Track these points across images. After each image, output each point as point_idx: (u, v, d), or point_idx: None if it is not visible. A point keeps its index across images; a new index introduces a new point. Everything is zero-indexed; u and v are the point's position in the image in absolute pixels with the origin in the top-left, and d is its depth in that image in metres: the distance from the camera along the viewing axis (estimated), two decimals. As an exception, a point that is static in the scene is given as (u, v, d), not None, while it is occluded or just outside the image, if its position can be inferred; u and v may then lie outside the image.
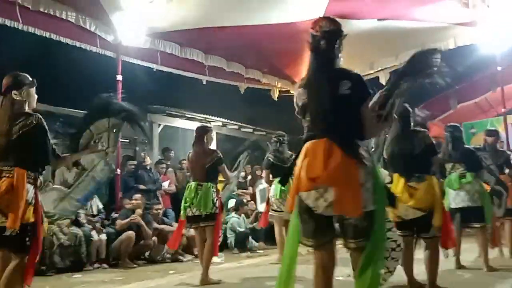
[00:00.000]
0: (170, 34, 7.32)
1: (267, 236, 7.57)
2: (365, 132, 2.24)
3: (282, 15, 7.02)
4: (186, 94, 10.63)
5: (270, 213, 6.02)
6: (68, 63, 8.86)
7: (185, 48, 7.79)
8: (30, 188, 2.78)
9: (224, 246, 6.91)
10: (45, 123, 2.87)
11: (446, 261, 3.75)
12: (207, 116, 11.06)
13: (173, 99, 10.81)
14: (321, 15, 6.57)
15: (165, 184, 7.60)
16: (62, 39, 6.31)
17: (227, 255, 6.63)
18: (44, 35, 6.09)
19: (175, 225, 6.65)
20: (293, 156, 6.29)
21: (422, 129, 3.71)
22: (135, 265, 5.97)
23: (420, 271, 3.68)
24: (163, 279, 4.98)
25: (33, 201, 2.79)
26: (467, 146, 4.95)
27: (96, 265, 5.81)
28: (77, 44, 6.54)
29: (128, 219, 6.13)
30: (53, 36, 6.19)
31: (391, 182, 3.56)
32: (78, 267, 5.54)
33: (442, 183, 4.34)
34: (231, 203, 7.92)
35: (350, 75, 2.26)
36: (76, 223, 5.75)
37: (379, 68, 9.06)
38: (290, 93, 9.69)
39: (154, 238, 6.32)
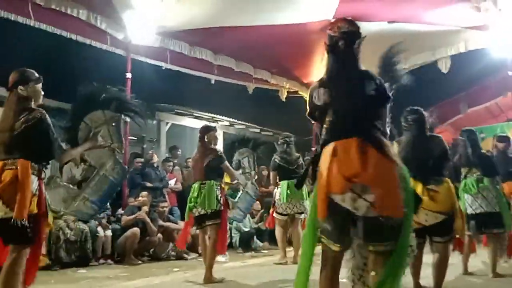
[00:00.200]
0: (180, 33, 7.34)
1: (272, 237, 7.53)
2: None
3: (292, 16, 7.01)
4: (194, 93, 10.67)
5: (274, 215, 6.01)
6: (78, 60, 8.94)
7: (194, 47, 7.81)
8: (34, 179, 2.79)
9: (228, 245, 6.91)
10: (48, 118, 2.89)
11: (451, 265, 3.73)
12: (215, 115, 11.09)
13: (181, 98, 10.86)
14: (331, 17, 6.61)
15: (172, 182, 7.63)
16: (73, 37, 6.36)
17: (232, 254, 6.64)
18: (55, 32, 6.14)
19: (181, 223, 6.69)
20: (300, 158, 6.26)
21: (437, 135, 3.72)
22: (139, 262, 6.01)
23: (424, 275, 3.66)
24: (168, 276, 5.01)
25: (37, 193, 2.81)
26: (483, 151, 4.91)
27: (101, 260, 5.86)
28: (88, 41, 6.58)
29: (133, 216, 6.17)
30: (64, 33, 6.24)
31: None
32: (84, 263, 5.58)
33: (456, 187, 4.31)
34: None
35: (373, 77, 2.24)
36: (83, 218, 5.81)
37: (389, 71, 9.03)
38: (298, 94, 9.67)
39: (159, 235, 6.35)
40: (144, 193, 6.54)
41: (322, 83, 2.28)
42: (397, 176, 2.07)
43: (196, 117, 10.66)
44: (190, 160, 7.48)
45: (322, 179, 2.09)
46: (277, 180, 6.03)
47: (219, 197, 4.49)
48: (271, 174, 6.16)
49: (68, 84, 9.26)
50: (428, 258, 3.61)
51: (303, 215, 5.83)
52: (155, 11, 6.68)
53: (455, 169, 4.59)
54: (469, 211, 4.56)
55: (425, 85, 11.17)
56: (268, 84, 9.48)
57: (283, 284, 4.31)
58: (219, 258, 5.26)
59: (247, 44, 7.81)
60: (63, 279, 4.79)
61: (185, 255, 6.45)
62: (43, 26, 5.97)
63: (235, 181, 5.21)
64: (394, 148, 3.63)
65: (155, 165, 7.45)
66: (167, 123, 10.55)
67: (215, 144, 4.75)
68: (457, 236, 3.72)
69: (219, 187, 4.54)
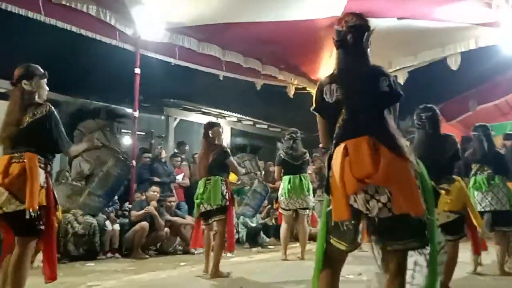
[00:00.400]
0: (189, 29, 7.36)
1: (279, 232, 7.58)
2: None
3: (301, 12, 6.99)
4: (202, 89, 10.70)
5: (279, 210, 6.02)
6: (88, 56, 9.01)
7: (202, 43, 7.84)
8: (41, 172, 2.82)
9: (235, 241, 6.94)
10: (55, 112, 2.92)
11: (458, 264, 3.71)
12: (223, 111, 11.11)
13: (190, 93, 10.89)
14: (340, 13, 6.58)
15: (179, 177, 7.67)
16: (83, 32, 6.40)
17: (238, 250, 6.66)
18: (65, 27, 6.19)
19: (188, 218, 6.74)
20: (307, 154, 6.23)
21: (450, 134, 3.68)
22: (147, 256, 6.06)
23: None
24: (175, 271, 5.04)
25: (45, 185, 2.84)
26: (497, 148, 4.84)
27: (109, 254, 5.93)
28: (97, 37, 6.62)
29: (143, 211, 6.23)
30: (74, 29, 6.28)
31: None
32: (92, 256, 5.64)
33: (466, 184, 4.29)
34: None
35: (386, 73, 2.17)
36: (91, 212, 5.86)
37: (397, 68, 8.97)
38: (306, 90, 9.67)
39: (167, 229, 6.40)
40: (156, 187, 6.60)
41: (333, 79, 2.21)
42: (412, 174, 2.01)
43: (204, 113, 10.70)
44: (197, 155, 7.55)
45: (335, 180, 2.04)
46: (282, 175, 6.03)
47: (224, 193, 4.49)
48: (276, 169, 6.12)
49: (78, 79, 9.40)
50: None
51: (307, 211, 5.83)
52: (164, 7, 6.70)
53: (465, 165, 4.56)
54: (479, 208, 4.52)
55: (434, 82, 11.12)
56: (276, 80, 9.47)
57: (289, 279, 4.32)
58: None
59: (256, 40, 7.81)
60: (71, 272, 4.84)
61: (192, 250, 6.49)
62: (53, 22, 6.02)
63: (239, 182, 5.22)
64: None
65: (163, 160, 7.51)
66: (175, 118, 10.60)
67: (220, 140, 4.75)
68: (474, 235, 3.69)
69: (224, 183, 4.54)
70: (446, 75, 9.25)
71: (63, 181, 4.72)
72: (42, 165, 2.84)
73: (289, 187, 5.70)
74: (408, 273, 2.12)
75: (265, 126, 12.66)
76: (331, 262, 2.14)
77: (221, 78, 8.51)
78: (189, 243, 6.54)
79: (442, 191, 3.30)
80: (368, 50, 2.22)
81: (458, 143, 3.68)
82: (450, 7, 6.88)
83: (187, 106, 10.55)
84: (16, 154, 2.81)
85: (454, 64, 8.23)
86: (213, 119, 9.16)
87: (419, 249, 2.07)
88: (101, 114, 3.73)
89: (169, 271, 4.99)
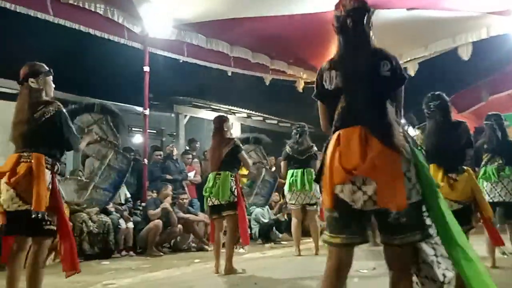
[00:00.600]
0: (196, 25, 7.35)
1: (291, 228, 7.57)
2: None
3: (308, 5, 6.93)
4: (211, 86, 10.70)
5: (288, 205, 6.01)
6: (97, 55, 9.04)
7: (210, 40, 7.82)
8: (47, 173, 2.82)
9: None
10: (65, 111, 2.94)
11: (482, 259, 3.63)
12: (232, 107, 11.10)
13: (199, 90, 10.90)
14: (348, 5, 6.51)
15: (191, 175, 7.70)
16: (91, 31, 6.43)
17: (251, 245, 6.65)
18: (73, 27, 6.22)
19: (201, 214, 6.76)
20: (314, 148, 6.14)
21: (462, 120, 3.61)
22: (161, 253, 6.09)
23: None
24: (189, 268, 5.06)
25: (50, 186, 2.85)
26: (510, 139, 4.74)
27: (123, 252, 5.97)
28: (106, 35, 6.64)
29: (159, 208, 6.26)
30: (82, 28, 6.31)
31: None
32: (106, 254, 5.69)
33: (476, 175, 4.23)
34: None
35: (388, 56, 2.08)
36: (105, 211, 5.90)
37: (408, 59, 8.86)
38: (316, 84, 9.60)
39: (180, 226, 6.42)
40: (170, 186, 6.65)
41: (333, 64, 2.16)
42: (400, 167, 1.94)
43: (214, 110, 10.70)
44: (207, 150, 7.56)
45: (327, 169, 2.02)
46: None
47: (233, 189, 4.47)
48: (282, 163, 6.05)
49: (86, 78, 9.45)
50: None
51: (315, 206, 5.76)
52: (171, 3, 6.69)
53: (476, 155, 4.48)
54: (487, 199, 4.45)
55: (445, 73, 10.97)
56: (285, 75, 9.42)
57: (303, 275, 4.31)
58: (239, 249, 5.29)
59: (263, 35, 7.77)
60: (87, 271, 4.86)
61: (206, 246, 6.51)
62: (62, 22, 6.04)
63: (249, 173, 5.21)
64: (417, 135, 3.57)
65: (175, 157, 7.54)
66: (185, 115, 10.62)
67: (231, 134, 4.75)
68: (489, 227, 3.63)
69: (233, 178, 4.51)
70: (457, 66, 9.12)
71: (68, 176, 4.82)
72: (49, 166, 2.85)
73: (291, 181, 5.67)
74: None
75: (275, 122, 12.63)
76: (332, 256, 2.06)
77: (230, 74, 8.49)
78: (202, 240, 6.60)
79: (442, 183, 3.25)
80: (371, 33, 2.15)
81: (471, 131, 3.62)
82: (461, -4, 6.77)
83: (196, 103, 10.56)
84: (25, 154, 2.83)
85: (465, 54, 8.09)
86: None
87: (420, 242, 2.01)
88: (95, 108, 3.93)
89: (184, 268, 5.01)
